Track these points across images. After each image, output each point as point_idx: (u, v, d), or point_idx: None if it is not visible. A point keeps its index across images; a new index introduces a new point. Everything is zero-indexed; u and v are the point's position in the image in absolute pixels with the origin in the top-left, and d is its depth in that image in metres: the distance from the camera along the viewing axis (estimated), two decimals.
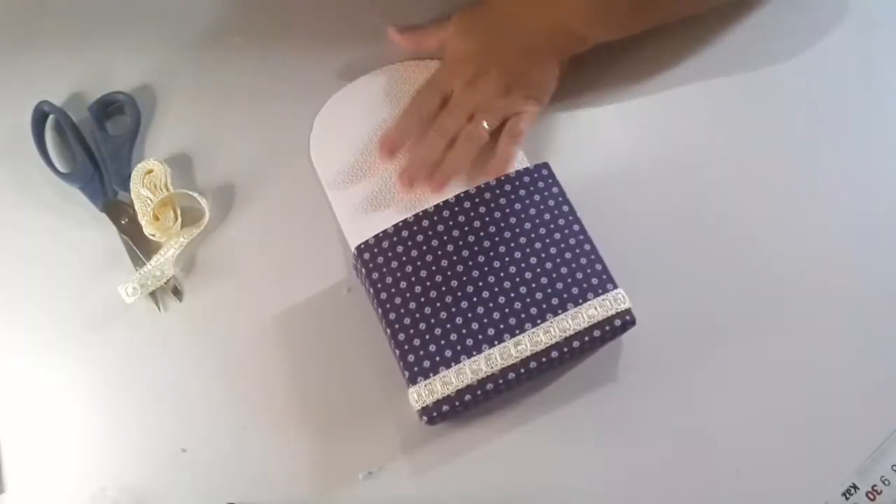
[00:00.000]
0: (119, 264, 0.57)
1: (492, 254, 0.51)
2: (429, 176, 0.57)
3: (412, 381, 0.49)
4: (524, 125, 0.57)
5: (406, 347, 0.49)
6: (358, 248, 0.52)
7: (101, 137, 0.60)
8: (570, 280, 0.50)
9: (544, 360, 0.48)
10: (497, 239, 0.51)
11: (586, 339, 0.49)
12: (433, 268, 0.51)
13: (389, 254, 0.51)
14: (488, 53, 0.58)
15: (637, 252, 0.54)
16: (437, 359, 0.49)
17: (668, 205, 0.56)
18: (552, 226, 0.52)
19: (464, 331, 0.49)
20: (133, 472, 0.51)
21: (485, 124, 0.57)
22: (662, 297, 0.52)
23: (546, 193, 0.53)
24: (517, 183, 0.53)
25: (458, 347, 0.49)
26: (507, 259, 0.51)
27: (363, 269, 0.52)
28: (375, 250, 0.52)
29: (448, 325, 0.49)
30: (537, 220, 0.52)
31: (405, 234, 0.52)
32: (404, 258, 0.51)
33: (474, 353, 0.49)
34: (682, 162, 0.57)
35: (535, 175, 0.53)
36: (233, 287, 0.56)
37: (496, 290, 0.50)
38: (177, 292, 0.56)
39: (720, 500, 0.48)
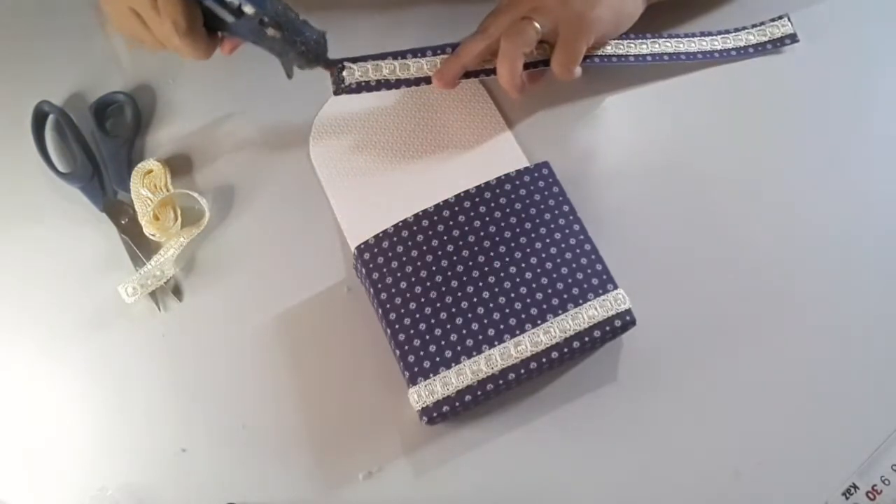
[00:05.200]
0: (119, 264, 0.57)
1: (492, 254, 0.51)
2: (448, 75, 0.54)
3: (412, 381, 0.49)
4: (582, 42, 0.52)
5: (406, 347, 0.49)
6: (358, 248, 0.52)
7: (101, 137, 0.60)
8: (570, 280, 0.50)
9: (544, 360, 0.48)
10: (497, 239, 0.51)
11: (586, 339, 0.49)
12: (433, 268, 0.51)
13: (389, 254, 0.51)
14: None
15: (637, 252, 0.54)
16: (437, 359, 0.49)
17: (668, 205, 0.56)
18: (552, 226, 0.52)
19: (464, 331, 0.49)
20: (133, 472, 0.51)
21: (536, 25, 0.52)
22: (662, 297, 0.52)
23: (546, 193, 0.53)
24: (517, 183, 0.53)
25: (458, 348, 0.49)
26: (507, 259, 0.51)
27: (363, 269, 0.52)
28: (375, 250, 0.52)
29: (448, 326, 0.49)
30: (537, 220, 0.52)
31: (405, 234, 0.52)
32: (404, 258, 0.51)
33: (474, 353, 0.49)
34: (683, 162, 0.57)
35: (535, 175, 0.53)
36: (233, 287, 0.56)
37: (496, 290, 0.50)
38: (177, 292, 0.56)
39: (720, 501, 0.48)
